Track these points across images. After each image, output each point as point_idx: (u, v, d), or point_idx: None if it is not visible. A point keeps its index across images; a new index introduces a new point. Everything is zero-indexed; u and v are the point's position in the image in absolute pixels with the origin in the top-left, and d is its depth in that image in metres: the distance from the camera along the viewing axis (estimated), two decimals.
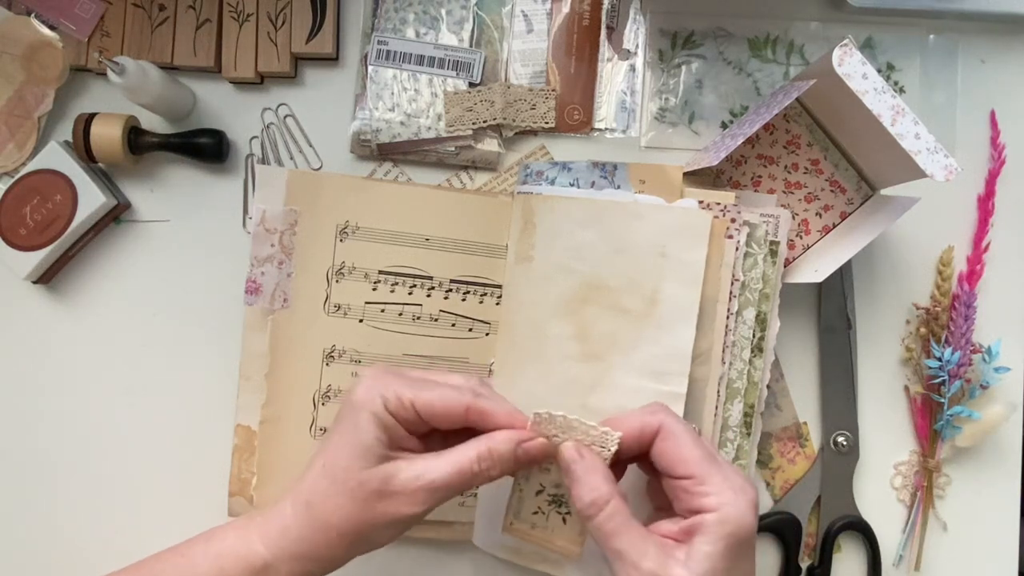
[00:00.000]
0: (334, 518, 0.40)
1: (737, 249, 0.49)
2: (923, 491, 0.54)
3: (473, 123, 0.54)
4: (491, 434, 0.41)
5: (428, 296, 0.53)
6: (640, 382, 0.48)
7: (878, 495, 0.55)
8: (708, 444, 0.41)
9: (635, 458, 0.43)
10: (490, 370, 0.53)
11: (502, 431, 0.41)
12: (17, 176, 0.54)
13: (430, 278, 0.53)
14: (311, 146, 0.57)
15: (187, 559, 0.41)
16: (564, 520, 0.45)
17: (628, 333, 0.49)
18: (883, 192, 0.53)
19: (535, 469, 0.44)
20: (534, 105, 0.55)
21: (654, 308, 0.48)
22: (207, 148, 0.55)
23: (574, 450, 0.41)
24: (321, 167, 0.56)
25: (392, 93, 0.55)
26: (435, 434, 0.43)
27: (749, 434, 0.50)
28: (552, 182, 0.52)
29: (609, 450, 0.41)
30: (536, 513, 0.45)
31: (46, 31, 0.55)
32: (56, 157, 0.54)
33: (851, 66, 0.44)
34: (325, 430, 0.53)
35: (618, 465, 0.42)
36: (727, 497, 0.38)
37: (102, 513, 0.56)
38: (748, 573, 0.40)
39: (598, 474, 0.40)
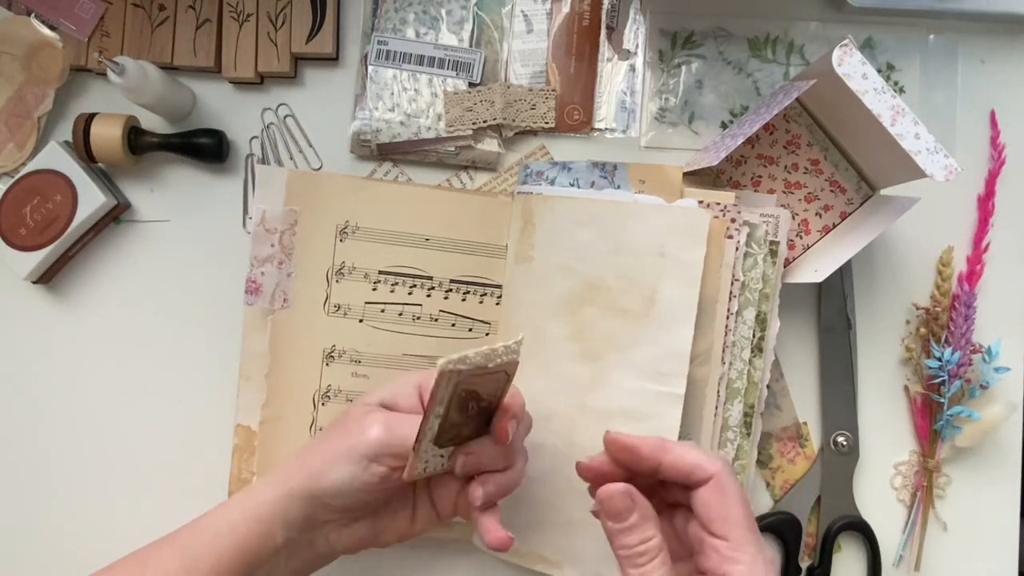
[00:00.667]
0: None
1: (737, 249, 0.49)
2: (923, 491, 0.54)
3: (473, 123, 0.54)
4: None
5: (428, 296, 0.53)
6: (639, 382, 0.48)
7: (878, 495, 0.55)
8: (750, 509, 0.39)
9: (654, 490, 0.42)
10: None
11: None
12: (17, 176, 0.54)
13: (430, 278, 0.53)
14: (311, 146, 0.57)
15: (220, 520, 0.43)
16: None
17: (627, 333, 0.49)
18: (883, 192, 0.53)
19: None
20: (534, 105, 0.55)
21: (653, 308, 0.48)
22: (207, 148, 0.55)
23: (626, 494, 0.39)
24: (321, 167, 0.56)
25: (392, 93, 0.55)
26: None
27: (749, 434, 0.50)
28: (552, 182, 0.52)
29: (517, 354, 0.39)
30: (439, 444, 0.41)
31: (46, 31, 0.55)
32: (56, 157, 0.54)
33: (851, 66, 0.44)
34: (323, 426, 0.52)
35: (637, 482, 0.40)
36: (757, 568, 0.37)
37: (102, 513, 0.56)
38: None
39: (651, 522, 0.39)
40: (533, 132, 0.56)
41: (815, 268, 0.50)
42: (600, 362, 0.49)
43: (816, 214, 0.54)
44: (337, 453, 0.42)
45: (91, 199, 0.54)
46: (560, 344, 0.50)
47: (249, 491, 0.44)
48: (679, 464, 0.39)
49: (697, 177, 0.52)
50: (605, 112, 0.56)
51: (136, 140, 0.54)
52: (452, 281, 0.53)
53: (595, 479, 0.42)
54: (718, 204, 0.49)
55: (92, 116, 0.54)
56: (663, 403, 0.48)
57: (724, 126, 0.56)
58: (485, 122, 0.54)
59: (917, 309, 0.55)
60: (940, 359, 0.53)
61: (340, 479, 0.42)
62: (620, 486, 0.39)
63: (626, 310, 0.48)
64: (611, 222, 0.49)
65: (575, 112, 0.55)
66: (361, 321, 0.53)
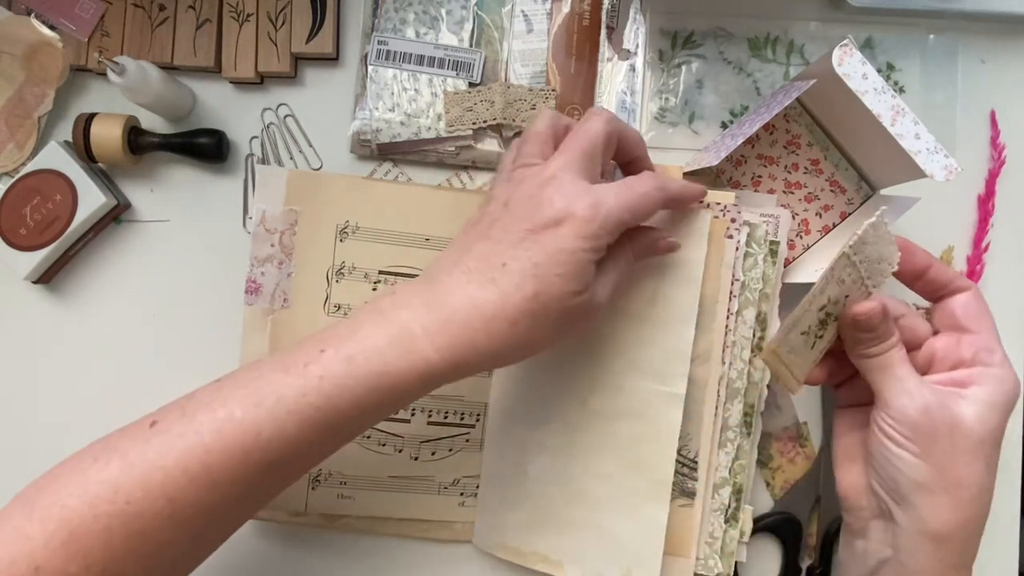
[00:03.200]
0: (542, 338, 0.40)
1: (737, 249, 0.49)
2: None
3: (473, 123, 0.54)
4: (633, 235, 0.44)
5: None
6: (640, 382, 0.48)
7: None
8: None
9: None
10: (490, 370, 0.53)
11: (641, 232, 0.45)
12: (17, 176, 0.54)
13: None
14: (311, 146, 0.57)
15: (336, 379, 0.38)
16: (813, 345, 0.44)
17: (627, 333, 0.49)
18: (883, 192, 0.53)
19: (833, 280, 0.41)
20: (534, 105, 0.55)
21: (653, 308, 0.48)
22: (207, 148, 0.55)
23: (881, 311, 0.42)
24: (321, 167, 0.57)
25: (392, 93, 0.55)
26: None
27: (749, 434, 0.50)
28: None
29: (885, 276, 0.43)
30: (805, 333, 0.43)
31: (46, 31, 0.55)
32: (56, 157, 0.54)
33: (851, 66, 0.44)
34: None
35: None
36: (1006, 365, 0.42)
37: None
38: (981, 470, 0.41)
39: (907, 314, 0.44)
40: None
41: (815, 268, 0.50)
42: (601, 362, 0.49)
43: (816, 214, 0.54)
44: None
45: (91, 199, 0.54)
46: (560, 344, 0.50)
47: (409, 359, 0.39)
48: (941, 275, 0.44)
49: (697, 177, 0.52)
50: None
51: (136, 140, 0.54)
52: None
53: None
54: (718, 204, 0.49)
55: (92, 116, 0.54)
56: (664, 403, 0.48)
57: (724, 126, 0.56)
58: (485, 122, 0.54)
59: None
60: None
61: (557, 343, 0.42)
62: (875, 304, 0.42)
63: (627, 310, 0.48)
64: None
65: (575, 112, 0.55)
66: None
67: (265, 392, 0.38)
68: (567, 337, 0.42)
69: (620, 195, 0.41)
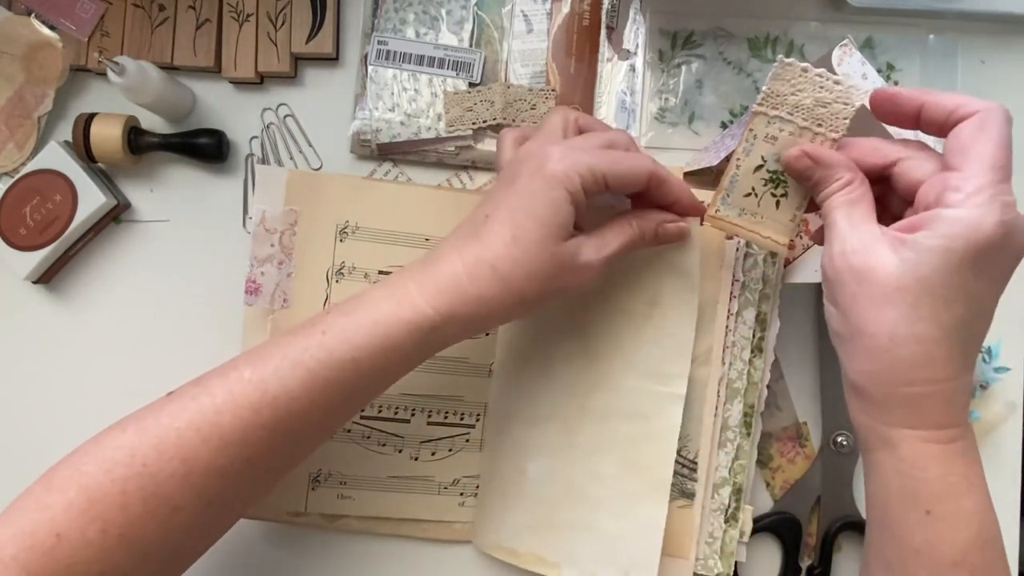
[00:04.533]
0: (525, 286, 0.40)
1: (737, 250, 0.49)
2: None
3: (473, 123, 0.54)
4: (642, 214, 0.45)
5: None
6: (640, 383, 0.48)
7: None
8: (1009, 154, 0.36)
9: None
10: (490, 370, 0.53)
11: (650, 212, 0.45)
12: (17, 176, 0.54)
13: None
14: (311, 146, 0.57)
15: (336, 333, 0.40)
16: (777, 204, 0.42)
17: (628, 334, 0.49)
18: None
19: (759, 139, 0.41)
20: (534, 105, 0.55)
21: (654, 309, 0.48)
22: (207, 148, 0.55)
23: (800, 157, 0.40)
24: (321, 167, 0.57)
25: (392, 93, 0.55)
26: None
27: (749, 434, 0.50)
28: None
29: (845, 120, 0.39)
30: (748, 195, 0.42)
31: (46, 31, 0.55)
32: (56, 157, 0.54)
33: (851, 66, 0.45)
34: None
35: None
36: (978, 200, 0.34)
37: None
38: (979, 291, 0.36)
39: (839, 159, 0.39)
40: None
41: (815, 268, 0.50)
42: (601, 363, 0.49)
43: (816, 214, 0.54)
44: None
45: (91, 199, 0.54)
46: (561, 344, 0.50)
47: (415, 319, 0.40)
48: (942, 102, 0.37)
49: (697, 177, 0.52)
50: (605, 112, 0.56)
51: (136, 140, 0.54)
52: None
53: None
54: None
55: (92, 116, 0.54)
56: (664, 403, 0.48)
57: (724, 126, 0.56)
58: (485, 122, 0.54)
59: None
60: None
61: (552, 303, 0.43)
62: (795, 150, 0.40)
63: (627, 311, 0.48)
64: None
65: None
66: None
67: (273, 353, 0.40)
68: (557, 292, 0.42)
69: (603, 159, 0.41)
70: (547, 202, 0.40)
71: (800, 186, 0.42)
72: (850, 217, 0.38)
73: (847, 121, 0.40)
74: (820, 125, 0.40)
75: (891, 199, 0.40)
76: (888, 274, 0.36)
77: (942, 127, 0.37)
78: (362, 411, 0.53)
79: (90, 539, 0.36)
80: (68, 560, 0.36)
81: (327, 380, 0.39)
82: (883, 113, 0.40)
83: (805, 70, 0.40)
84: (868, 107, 0.40)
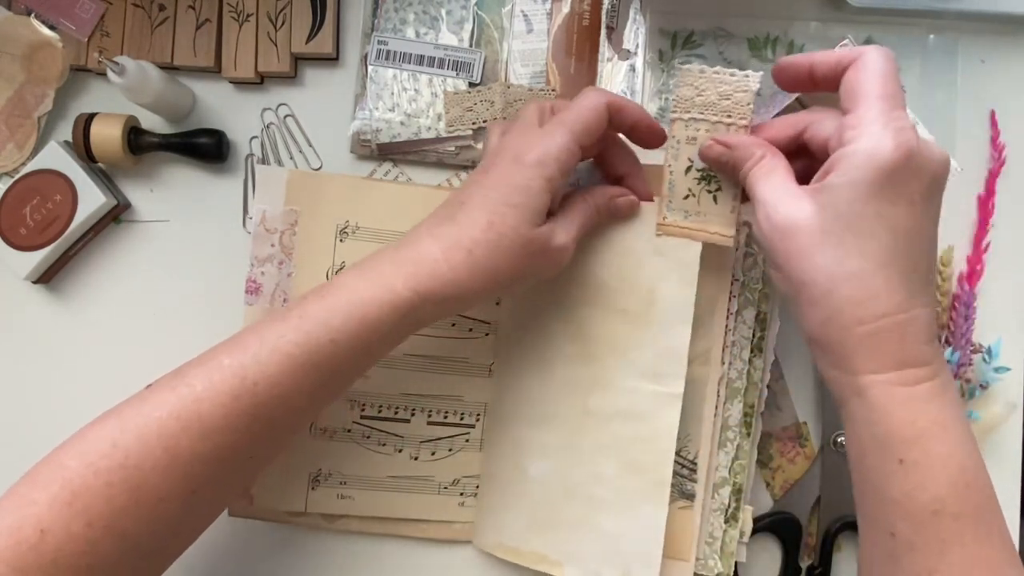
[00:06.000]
0: (500, 269, 0.42)
1: (737, 249, 0.49)
2: None
3: (473, 123, 0.54)
4: (592, 190, 0.46)
5: None
6: (637, 383, 0.48)
7: None
8: (895, 86, 0.38)
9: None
10: (490, 370, 0.53)
11: (600, 188, 0.47)
12: (17, 176, 0.54)
13: None
14: (311, 146, 0.57)
15: (313, 316, 0.40)
16: (715, 199, 0.45)
17: (625, 333, 0.48)
18: None
19: (682, 143, 0.45)
20: None
21: (651, 308, 0.48)
22: (207, 148, 0.55)
23: (711, 146, 0.43)
24: (321, 167, 0.57)
25: (392, 93, 0.55)
26: None
27: (749, 434, 0.50)
28: None
29: (748, 105, 0.42)
30: (688, 197, 0.45)
31: (46, 31, 0.55)
32: (56, 157, 0.54)
33: None
34: (322, 426, 0.53)
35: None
36: (872, 130, 0.36)
37: None
38: (899, 218, 0.37)
39: (750, 139, 0.42)
40: None
41: None
42: (599, 363, 0.49)
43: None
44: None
45: (91, 199, 0.54)
46: (559, 345, 0.50)
47: (391, 299, 0.41)
48: (828, 56, 0.40)
49: None
50: None
51: (136, 140, 0.54)
52: None
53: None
54: None
55: (92, 116, 0.54)
56: (661, 403, 0.48)
57: None
58: (485, 122, 0.54)
59: None
60: None
61: (525, 286, 0.45)
62: (707, 141, 0.43)
63: (624, 310, 0.48)
64: (610, 221, 0.49)
65: None
66: None
67: (251, 339, 0.40)
68: (531, 276, 0.44)
69: (564, 121, 0.43)
70: (522, 189, 0.42)
71: (729, 177, 0.44)
72: (768, 183, 0.40)
73: (751, 106, 0.43)
74: (729, 116, 0.43)
75: (815, 169, 0.41)
76: (810, 221, 0.37)
77: (834, 80, 0.40)
78: (362, 411, 0.53)
79: (75, 533, 0.36)
80: (54, 555, 0.36)
81: (306, 364, 0.40)
82: (784, 82, 0.43)
83: (702, 71, 0.43)
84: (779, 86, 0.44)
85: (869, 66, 0.38)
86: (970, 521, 0.36)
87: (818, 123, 0.41)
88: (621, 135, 0.47)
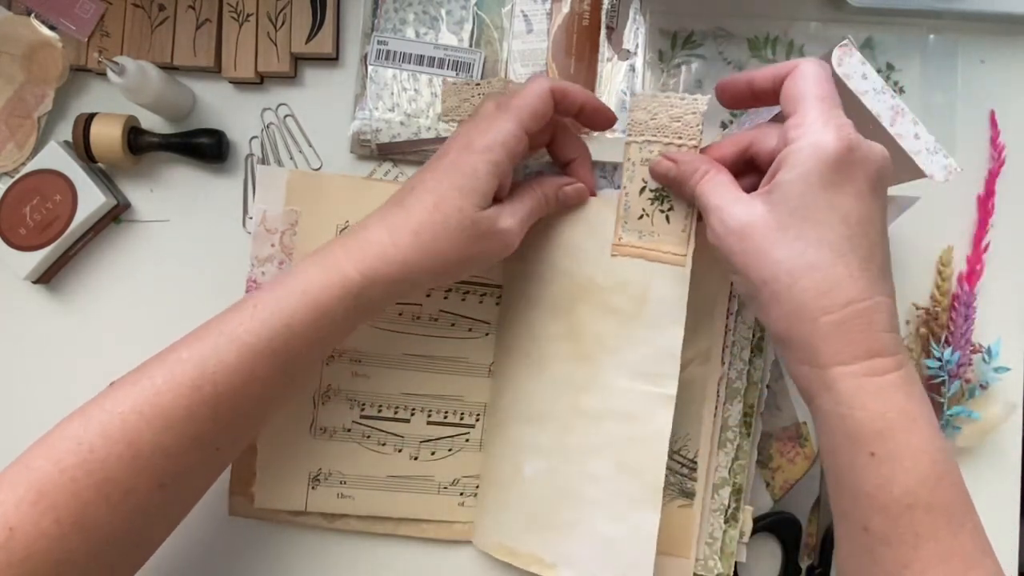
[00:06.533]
0: (447, 250, 0.43)
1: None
2: None
3: (468, 115, 0.54)
4: (542, 179, 0.48)
5: (428, 296, 0.53)
6: (631, 383, 0.48)
7: None
8: (830, 88, 0.40)
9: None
10: (489, 370, 0.53)
11: (549, 177, 0.48)
12: (17, 176, 0.54)
13: None
14: (311, 146, 0.57)
15: (268, 304, 0.41)
16: (667, 218, 0.47)
17: (618, 333, 0.48)
18: None
19: (636, 164, 0.47)
20: None
21: (644, 307, 0.48)
22: (207, 148, 0.55)
23: (659, 162, 0.45)
24: (321, 167, 0.57)
25: (392, 93, 0.55)
26: None
27: (749, 434, 0.50)
28: None
29: (698, 127, 0.44)
30: (642, 217, 0.47)
31: (46, 31, 0.55)
32: (56, 157, 0.54)
33: (851, 66, 0.44)
34: (323, 426, 0.53)
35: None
36: (815, 127, 0.38)
37: None
38: (851, 208, 0.38)
39: (695, 156, 0.44)
40: None
41: None
42: (593, 362, 0.49)
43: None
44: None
45: (91, 199, 0.54)
46: (553, 344, 0.50)
47: (342, 282, 0.42)
48: (766, 72, 0.42)
49: None
50: None
51: (136, 140, 0.54)
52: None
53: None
54: None
55: (92, 116, 0.54)
56: (654, 404, 0.47)
57: (724, 126, 0.56)
58: None
59: (917, 309, 0.55)
60: (940, 359, 0.53)
61: (476, 271, 0.49)
62: (656, 159, 0.45)
63: (618, 310, 0.48)
64: (605, 221, 0.49)
65: None
66: None
67: (209, 332, 0.41)
68: (479, 258, 0.45)
69: (510, 107, 0.44)
70: (468, 173, 0.43)
71: (678, 192, 0.46)
72: (717, 193, 0.41)
73: (700, 127, 0.45)
74: (680, 137, 0.45)
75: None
76: (765, 219, 0.39)
77: (773, 93, 0.42)
78: (362, 411, 0.53)
79: (44, 530, 0.37)
80: (24, 552, 0.36)
81: (263, 351, 0.41)
82: (726, 100, 0.45)
83: (654, 96, 0.45)
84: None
85: (806, 73, 0.40)
86: (943, 513, 0.37)
87: (762, 138, 0.43)
88: (570, 122, 0.49)
